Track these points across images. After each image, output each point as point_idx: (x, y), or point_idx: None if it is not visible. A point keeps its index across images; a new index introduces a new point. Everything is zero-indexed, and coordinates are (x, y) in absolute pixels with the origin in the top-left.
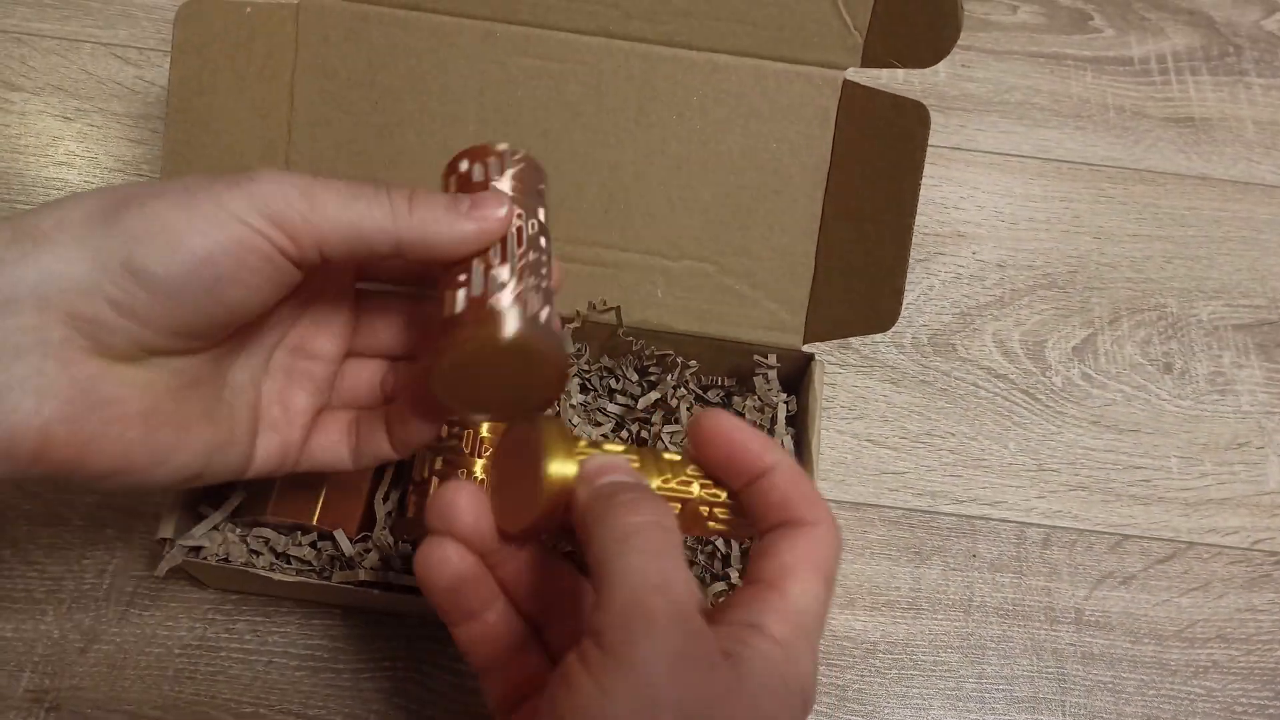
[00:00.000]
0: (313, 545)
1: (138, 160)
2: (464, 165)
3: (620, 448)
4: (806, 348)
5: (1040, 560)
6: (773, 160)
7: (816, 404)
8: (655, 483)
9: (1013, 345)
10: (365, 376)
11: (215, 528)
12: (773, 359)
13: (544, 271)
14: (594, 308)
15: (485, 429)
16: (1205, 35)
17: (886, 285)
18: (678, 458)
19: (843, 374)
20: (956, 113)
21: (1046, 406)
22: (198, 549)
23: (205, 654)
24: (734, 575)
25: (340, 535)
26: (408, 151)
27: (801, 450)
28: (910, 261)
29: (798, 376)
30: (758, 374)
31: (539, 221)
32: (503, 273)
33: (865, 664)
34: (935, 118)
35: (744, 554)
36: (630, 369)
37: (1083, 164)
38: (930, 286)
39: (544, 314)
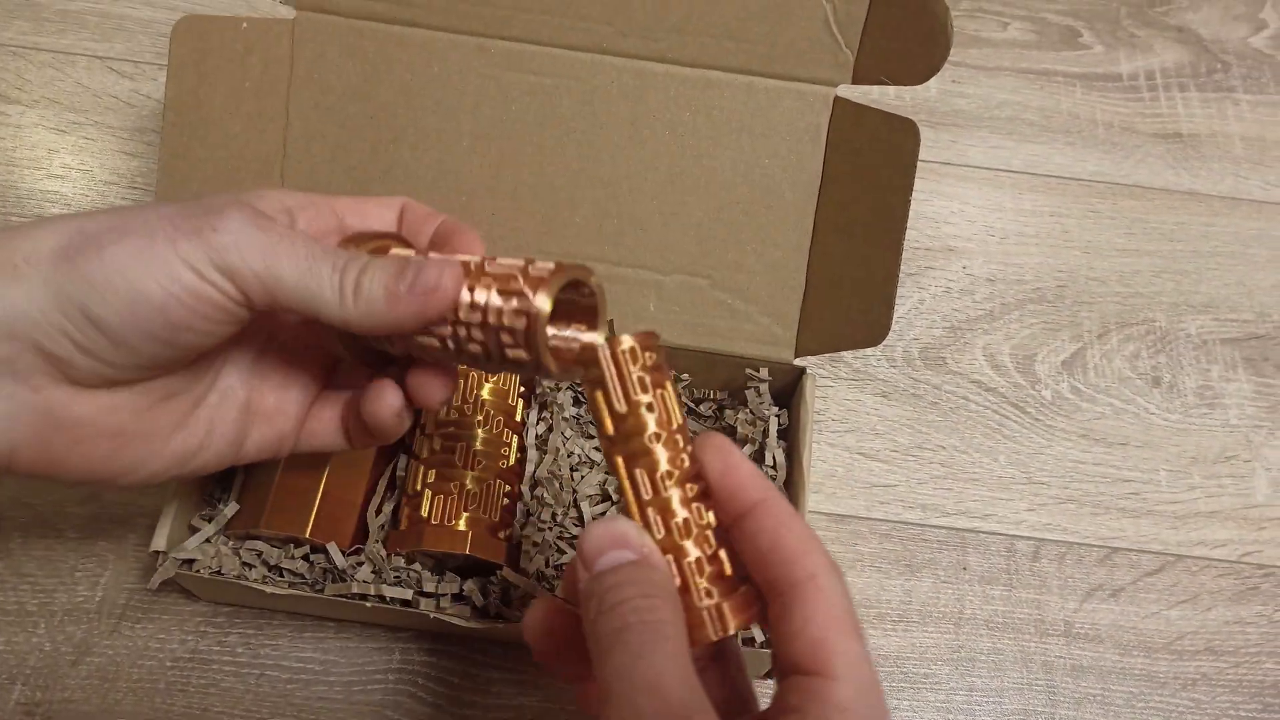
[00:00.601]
0: (305, 558)
1: (132, 173)
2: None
3: (648, 403)
4: (798, 361)
5: (1030, 573)
6: (764, 176)
7: (808, 417)
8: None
9: (1003, 359)
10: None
11: (208, 540)
12: (764, 372)
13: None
14: None
15: (478, 442)
16: (1194, 52)
17: (877, 299)
18: (685, 463)
19: (834, 387)
20: (947, 128)
21: (1036, 420)
22: (190, 562)
23: (197, 667)
24: None
25: (333, 548)
26: (402, 165)
27: (793, 463)
28: (901, 276)
29: (789, 390)
30: (749, 387)
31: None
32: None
33: None
34: (926, 133)
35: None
36: None
37: (1072, 179)
38: (921, 300)
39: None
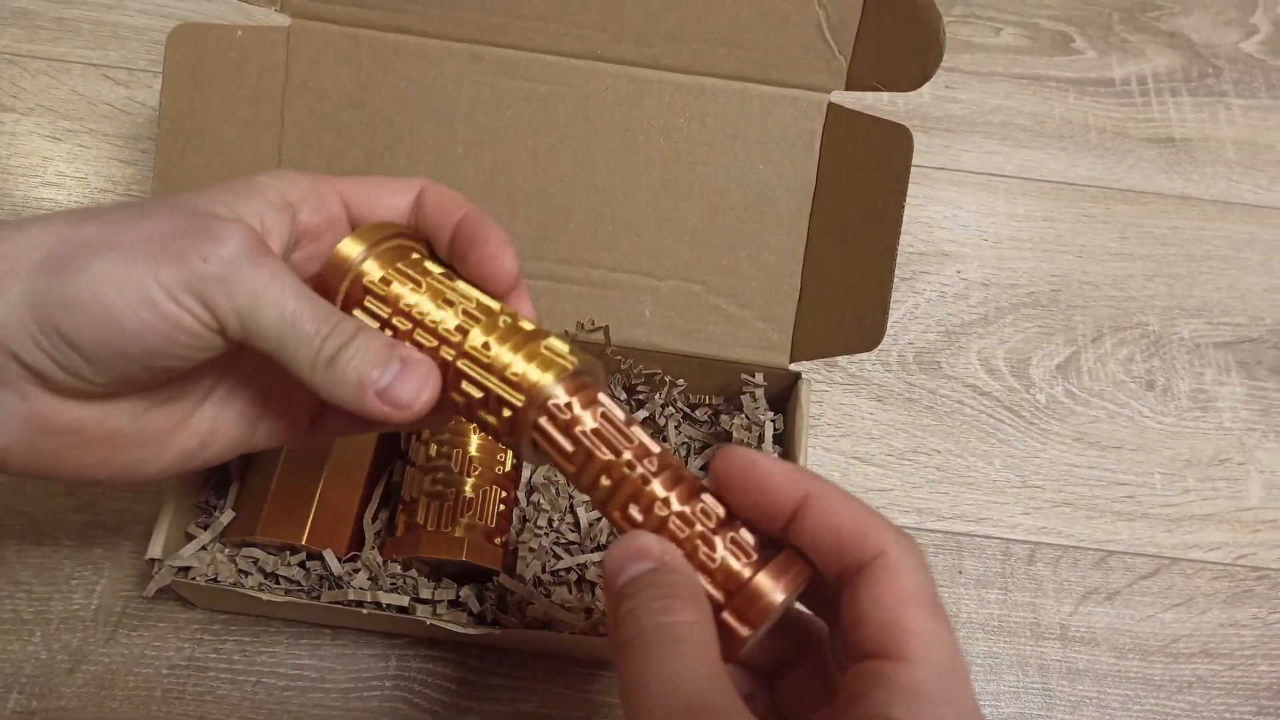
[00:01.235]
0: (302, 565)
1: (128, 181)
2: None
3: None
4: (793, 366)
5: (1025, 576)
6: (759, 182)
7: (803, 422)
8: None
9: (997, 363)
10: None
11: (204, 548)
12: (760, 378)
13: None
14: (582, 327)
15: (474, 448)
16: (1185, 57)
17: (872, 304)
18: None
19: (829, 392)
20: (941, 133)
21: (1031, 424)
22: (187, 569)
23: (193, 674)
24: None
25: (329, 555)
26: (397, 172)
27: None
28: (895, 280)
29: (785, 395)
30: (745, 393)
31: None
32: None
33: None
34: (919, 138)
35: None
36: (618, 388)
37: (1065, 184)
38: (915, 305)
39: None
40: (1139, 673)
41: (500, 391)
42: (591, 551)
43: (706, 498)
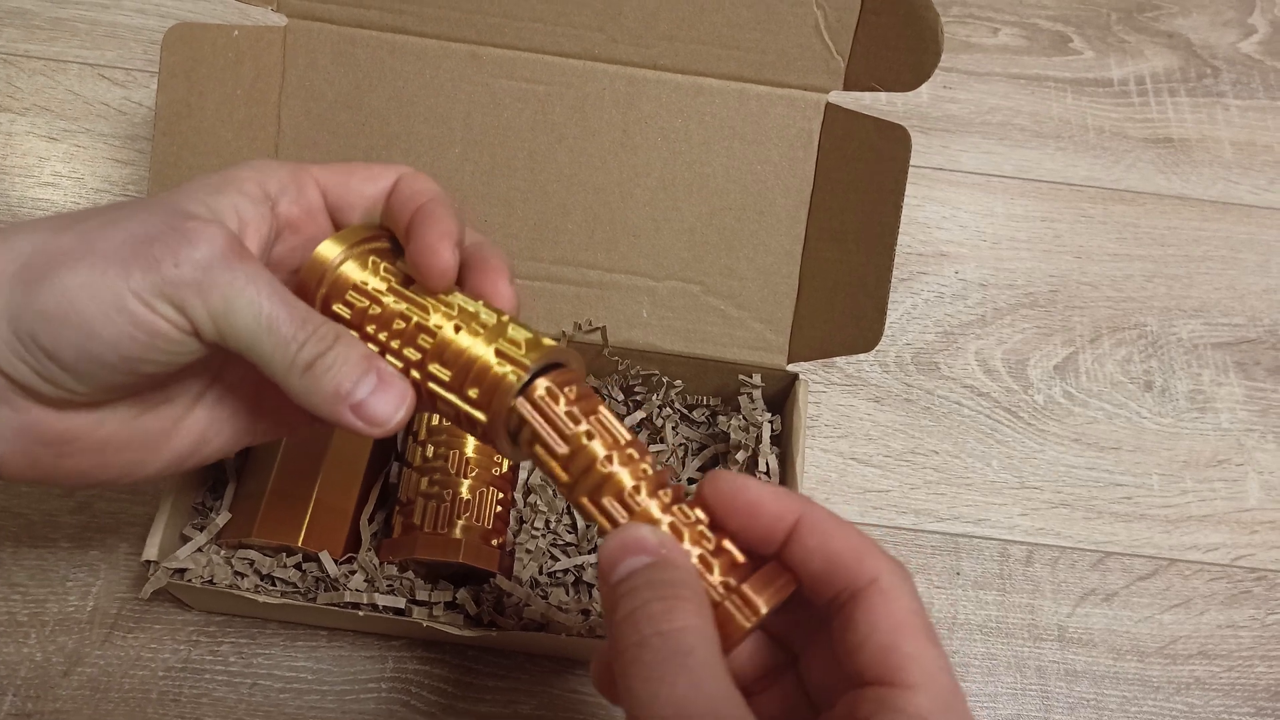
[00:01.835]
0: (298, 567)
1: (124, 181)
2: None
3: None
4: (791, 367)
5: (1023, 577)
6: (757, 182)
7: (801, 423)
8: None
9: (995, 364)
10: None
11: (200, 550)
12: (757, 378)
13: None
14: (580, 328)
15: (470, 449)
16: (1183, 57)
17: (870, 305)
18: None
19: (827, 393)
20: (939, 133)
21: (1029, 424)
22: (182, 571)
23: (190, 676)
24: None
25: (325, 557)
26: None
27: (786, 469)
28: (893, 281)
29: (782, 396)
30: (742, 393)
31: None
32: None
33: None
34: (917, 138)
35: None
36: (616, 389)
37: (1063, 184)
38: (913, 305)
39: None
40: (1137, 674)
41: (466, 409)
42: (589, 553)
43: (694, 508)
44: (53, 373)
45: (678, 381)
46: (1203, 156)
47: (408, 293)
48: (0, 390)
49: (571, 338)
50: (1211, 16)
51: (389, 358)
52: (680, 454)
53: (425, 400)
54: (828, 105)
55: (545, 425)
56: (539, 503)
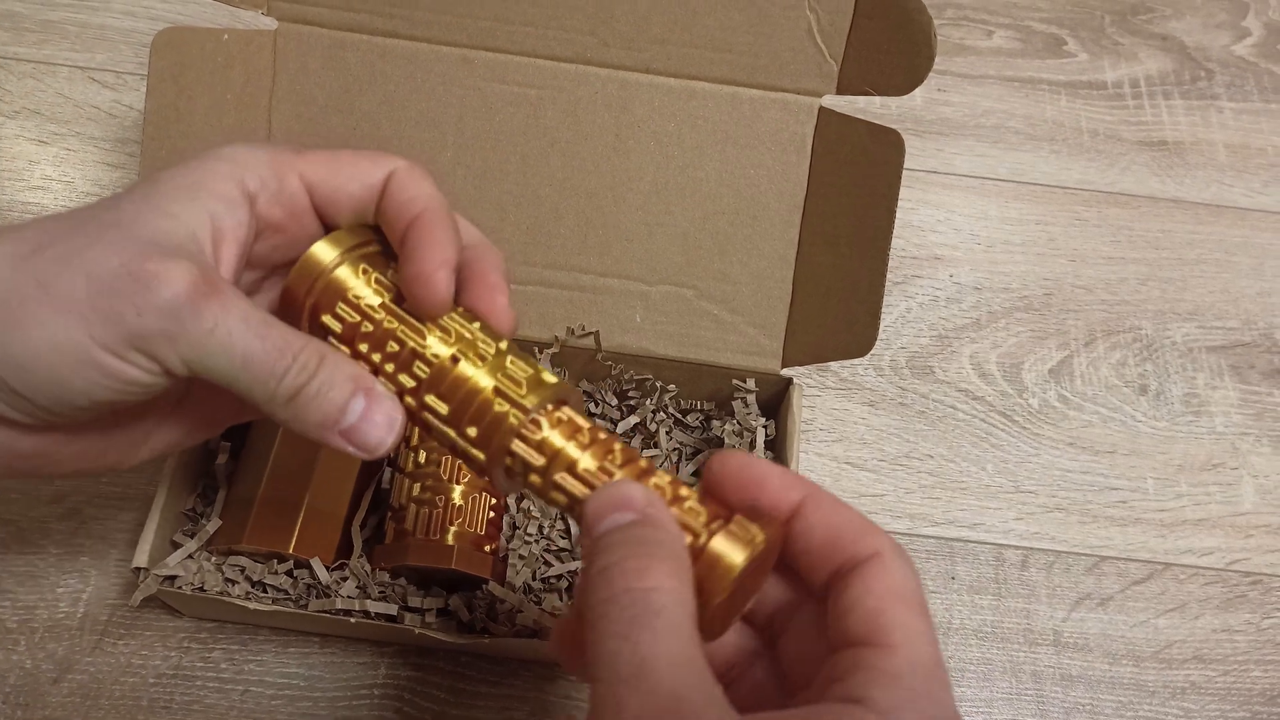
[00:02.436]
0: (289, 573)
1: (114, 184)
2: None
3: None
4: (785, 371)
5: (1018, 582)
6: (750, 186)
7: (795, 427)
8: None
9: (989, 367)
10: None
11: (190, 557)
12: (751, 383)
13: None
14: (573, 333)
15: None
16: (1177, 60)
17: (864, 309)
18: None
19: (821, 397)
20: (933, 136)
21: (1024, 428)
22: (173, 578)
23: (181, 683)
24: None
25: (317, 563)
26: None
27: None
28: (887, 285)
29: (776, 400)
30: (736, 398)
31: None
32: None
33: None
34: (911, 141)
35: None
36: (609, 393)
37: (1057, 187)
38: (908, 309)
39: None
40: (1132, 678)
41: (464, 445)
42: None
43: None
44: (29, 408)
45: (671, 386)
46: (1197, 159)
47: (401, 311)
48: None
49: (565, 342)
50: (1205, 19)
51: (382, 380)
52: (674, 459)
53: (419, 424)
54: (821, 109)
55: (546, 464)
56: (532, 508)
